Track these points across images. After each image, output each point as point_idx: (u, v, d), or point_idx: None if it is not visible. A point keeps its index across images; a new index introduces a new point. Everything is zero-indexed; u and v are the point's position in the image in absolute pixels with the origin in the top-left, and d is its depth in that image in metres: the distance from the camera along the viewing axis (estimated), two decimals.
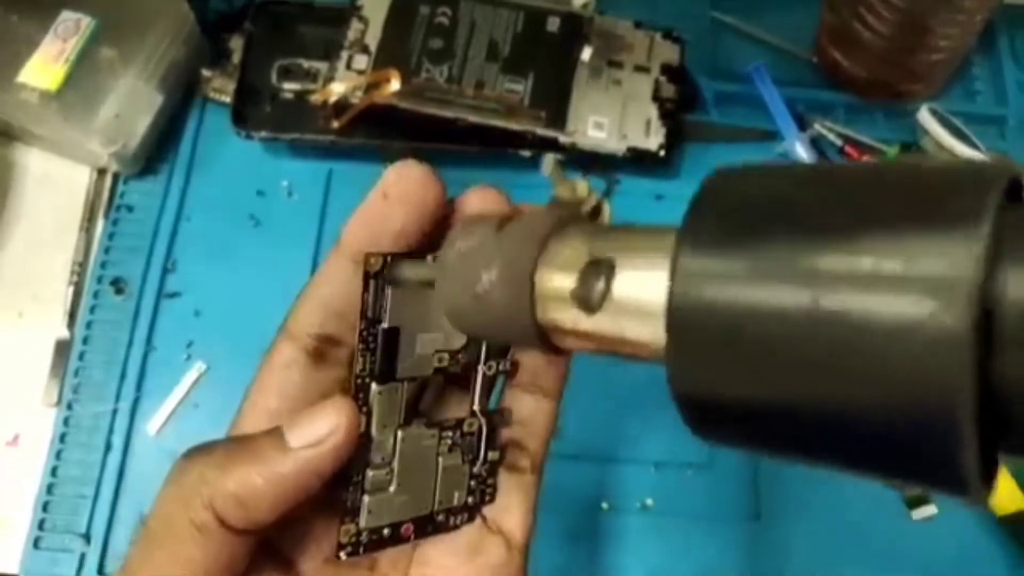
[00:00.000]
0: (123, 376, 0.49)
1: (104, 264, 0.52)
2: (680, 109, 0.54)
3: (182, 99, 0.56)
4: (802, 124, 0.55)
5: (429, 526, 0.26)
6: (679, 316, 0.16)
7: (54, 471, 0.47)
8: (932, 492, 0.15)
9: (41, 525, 0.46)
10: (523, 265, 0.20)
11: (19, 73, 0.52)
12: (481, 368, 0.25)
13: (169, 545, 0.23)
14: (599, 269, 0.19)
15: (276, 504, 0.22)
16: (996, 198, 0.13)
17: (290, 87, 0.54)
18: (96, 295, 0.51)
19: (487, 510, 0.27)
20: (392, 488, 0.25)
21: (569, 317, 0.19)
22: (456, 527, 0.26)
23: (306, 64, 0.55)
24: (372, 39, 0.53)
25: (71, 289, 0.52)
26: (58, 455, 0.47)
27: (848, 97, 0.57)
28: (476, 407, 0.25)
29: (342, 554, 0.24)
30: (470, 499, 0.26)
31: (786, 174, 0.17)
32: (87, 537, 0.46)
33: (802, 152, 0.54)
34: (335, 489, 0.24)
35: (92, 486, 0.47)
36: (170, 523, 0.23)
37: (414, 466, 0.25)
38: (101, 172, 0.55)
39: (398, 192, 0.25)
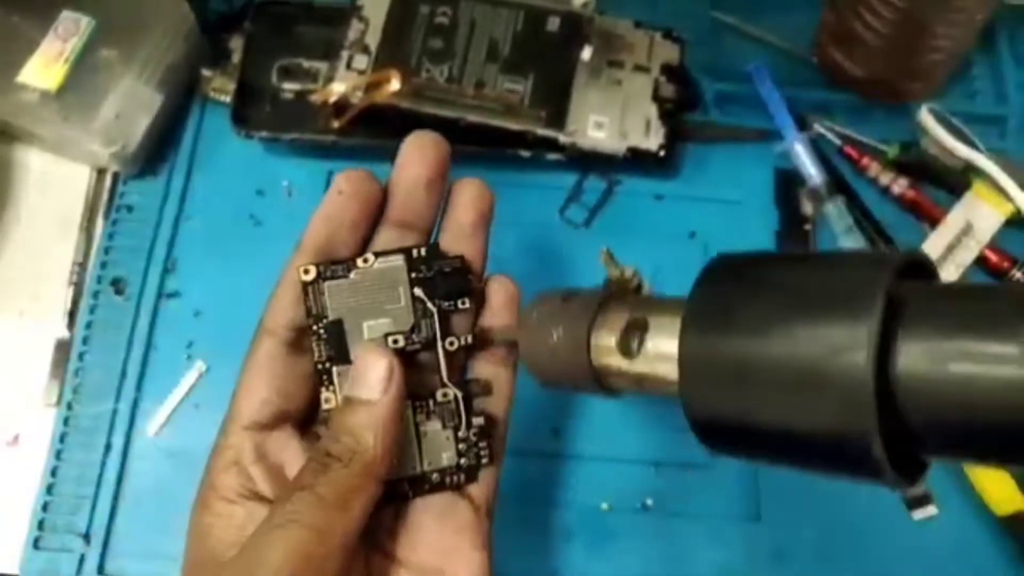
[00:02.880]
0: (123, 376, 0.49)
1: (104, 264, 0.52)
2: (680, 109, 0.54)
3: (182, 99, 0.56)
4: (802, 124, 0.55)
5: (425, 484, 0.30)
6: (685, 361, 0.23)
7: (54, 471, 0.47)
8: (862, 482, 0.21)
9: (41, 525, 0.46)
10: (581, 327, 0.27)
11: (19, 73, 0.52)
12: (441, 345, 0.29)
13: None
14: (636, 329, 0.26)
15: (396, 444, 0.28)
16: (885, 285, 0.20)
17: (290, 87, 0.54)
18: (96, 295, 0.51)
19: None
20: None
21: (615, 363, 0.26)
22: (455, 486, 0.30)
23: (306, 64, 0.55)
24: (372, 39, 0.53)
25: (71, 289, 0.52)
26: (58, 455, 0.47)
27: (848, 97, 0.57)
28: (445, 378, 0.29)
29: None
30: (463, 461, 0.30)
31: (759, 265, 0.24)
32: (87, 537, 0.46)
33: (802, 152, 0.54)
34: None
35: (92, 486, 0.47)
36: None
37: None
38: (101, 172, 0.55)
39: (350, 189, 0.30)
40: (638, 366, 0.26)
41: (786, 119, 0.55)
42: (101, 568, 0.45)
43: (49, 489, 0.47)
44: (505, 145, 0.52)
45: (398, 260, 0.29)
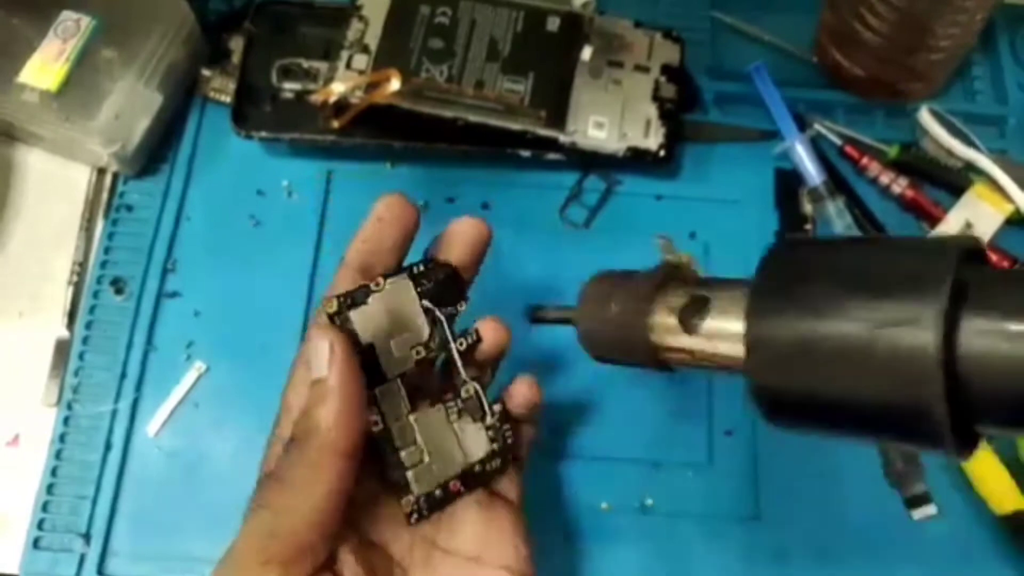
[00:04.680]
0: (123, 376, 0.49)
1: (104, 264, 0.52)
2: (680, 109, 0.54)
3: (182, 99, 0.56)
4: (802, 124, 0.55)
5: (472, 479, 0.33)
6: (753, 340, 0.24)
7: (54, 471, 0.47)
8: (924, 452, 0.23)
9: (41, 525, 0.46)
10: (641, 301, 0.28)
11: (19, 73, 0.52)
12: (454, 346, 0.32)
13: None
14: (697, 304, 0.27)
15: (353, 416, 0.29)
16: (952, 269, 0.21)
17: (290, 87, 0.54)
18: (96, 295, 0.51)
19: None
20: (426, 460, 0.31)
21: (674, 338, 0.27)
22: (497, 472, 0.33)
23: (306, 64, 0.55)
24: (372, 39, 0.53)
25: (71, 289, 0.52)
26: (58, 455, 0.47)
27: (848, 97, 0.57)
28: (464, 376, 0.33)
29: (412, 520, 0.31)
30: (495, 446, 0.33)
31: (823, 248, 0.25)
32: (87, 537, 0.46)
33: (802, 152, 0.54)
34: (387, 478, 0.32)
35: (92, 486, 0.47)
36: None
37: (436, 438, 0.32)
38: (101, 172, 0.55)
39: (389, 216, 0.33)
40: (698, 342, 0.27)
41: (786, 119, 0.55)
42: (101, 568, 0.45)
43: (49, 489, 0.47)
44: (505, 145, 0.52)
45: (404, 278, 0.32)
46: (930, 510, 0.46)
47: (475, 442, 0.33)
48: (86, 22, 0.53)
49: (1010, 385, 0.21)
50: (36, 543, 0.46)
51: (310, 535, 0.28)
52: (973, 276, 0.22)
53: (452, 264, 0.33)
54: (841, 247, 0.25)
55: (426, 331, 0.32)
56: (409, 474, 0.31)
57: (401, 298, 0.32)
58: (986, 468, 0.45)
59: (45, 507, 0.46)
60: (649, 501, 0.47)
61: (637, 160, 0.52)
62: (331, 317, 0.31)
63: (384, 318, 0.31)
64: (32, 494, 0.47)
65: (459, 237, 0.34)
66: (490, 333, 0.34)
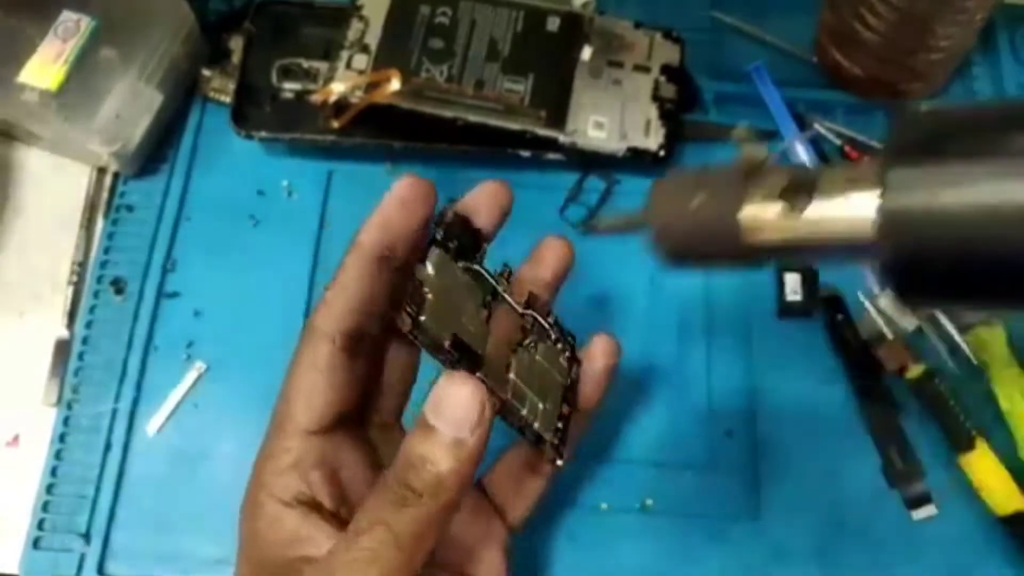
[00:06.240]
0: (123, 376, 0.49)
1: (104, 264, 0.52)
2: (680, 109, 0.54)
3: (182, 99, 0.56)
4: (802, 124, 0.55)
5: (569, 394, 0.33)
6: (895, 209, 0.22)
7: (54, 471, 0.47)
8: None
9: (41, 525, 0.46)
10: (732, 185, 0.26)
11: (19, 73, 0.52)
12: (500, 289, 0.32)
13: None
14: (799, 185, 0.25)
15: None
16: None
17: (290, 87, 0.54)
18: (96, 295, 0.51)
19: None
20: (540, 405, 0.32)
21: (776, 222, 0.25)
22: (579, 378, 0.34)
23: (306, 64, 0.55)
24: (372, 39, 0.53)
25: (71, 289, 0.52)
26: (58, 455, 0.47)
27: (848, 97, 0.57)
28: (520, 310, 0.33)
29: (557, 464, 0.32)
30: (568, 354, 0.34)
31: (955, 112, 0.23)
32: (87, 537, 0.46)
33: (802, 152, 0.54)
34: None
35: (92, 486, 0.47)
36: None
37: (535, 380, 0.32)
38: (101, 172, 0.55)
39: (412, 197, 0.30)
40: (806, 223, 0.25)
41: (786, 119, 0.55)
42: (101, 568, 0.45)
43: (49, 489, 0.47)
44: (505, 145, 0.52)
45: (436, 252, 0.30)
46: (930, 510, 0.46)
47: (556, 361, 0.33)
48: (86, 22, 0.53)
49: None
50: (36, 543, 0.46)
51: None
52: None
53: (455, 211, 0.32)
54: (975, 111, 0.24)
55: (477, 290, 0.31)
56: (536, 425, 0.31)
57: (445, 273, 0.30)
58: (986, 469, 0.46)
59: (45, 507, 0.46)
60: (649, 501, 0.47)
61: (637, 160, 0.52)
62: (412, 335, 0.28)
63: (443, 303, 0.29)
64: (32, 494, 0.47)
65: (486, 202, 0.33)
66: (551, 253, 0.35)
